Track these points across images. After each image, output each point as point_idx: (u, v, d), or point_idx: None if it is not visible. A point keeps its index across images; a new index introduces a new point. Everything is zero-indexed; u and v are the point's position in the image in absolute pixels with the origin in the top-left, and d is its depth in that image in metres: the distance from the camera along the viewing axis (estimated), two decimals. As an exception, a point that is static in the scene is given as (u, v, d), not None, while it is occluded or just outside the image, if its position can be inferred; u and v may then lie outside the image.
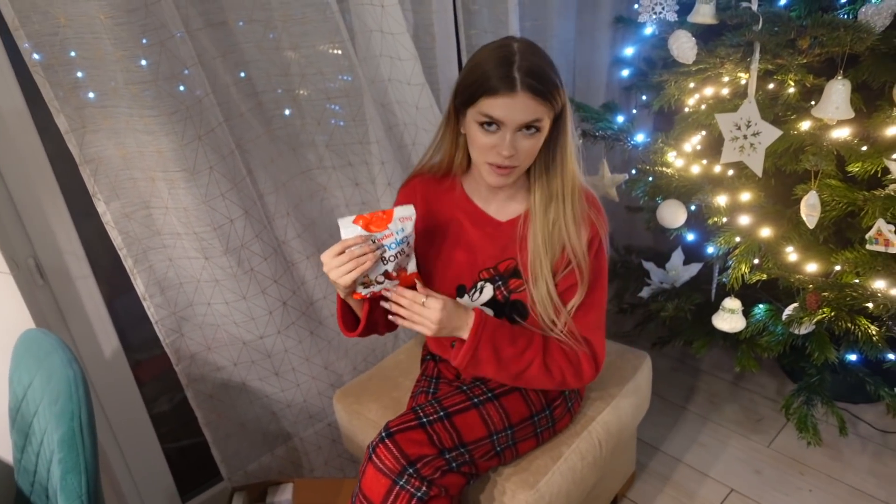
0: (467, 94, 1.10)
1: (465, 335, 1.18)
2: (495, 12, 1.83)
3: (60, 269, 1.35)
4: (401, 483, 1.14)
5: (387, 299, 1.18)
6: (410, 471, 1.14)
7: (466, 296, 1.29)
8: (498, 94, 1.06)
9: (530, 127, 1.09)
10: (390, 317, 1.19)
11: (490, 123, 1.09)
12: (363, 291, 1.15)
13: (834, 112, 1.38)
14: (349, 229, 1.10)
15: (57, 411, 0.95)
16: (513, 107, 1.06)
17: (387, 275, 1.14)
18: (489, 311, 1.29)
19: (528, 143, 1.11)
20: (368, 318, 1.26)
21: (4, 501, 1.28)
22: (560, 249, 1.20)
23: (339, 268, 1.10)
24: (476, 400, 1.27)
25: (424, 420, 1.20)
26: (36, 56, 1.15)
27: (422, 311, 1.14)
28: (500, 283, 1.27)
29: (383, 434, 1.18)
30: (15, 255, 1.26)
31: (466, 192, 1.29)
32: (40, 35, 1.14)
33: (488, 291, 1.28)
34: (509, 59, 1.06)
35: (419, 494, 1.14)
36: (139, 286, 1.40)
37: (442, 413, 1.22)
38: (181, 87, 1.25)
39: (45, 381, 1.02)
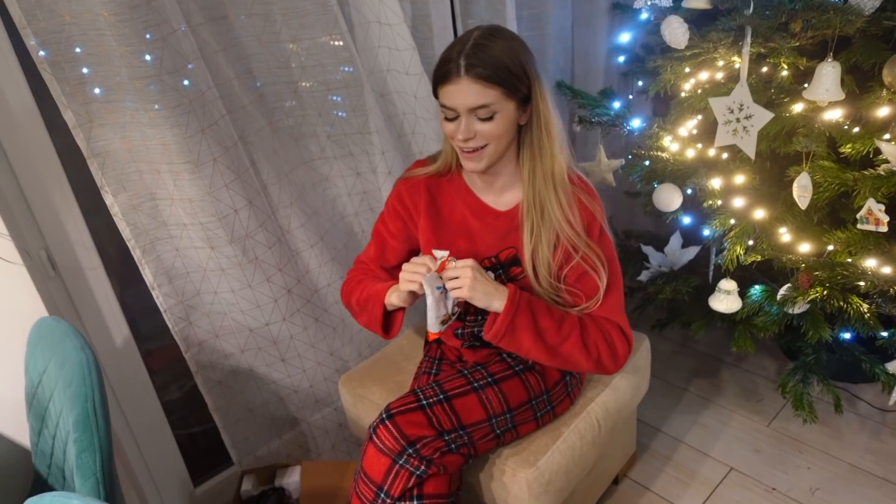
0: (433, 83, 1.15)
1: (501, 305, 1.19)
2: (492, 1, 1.85)
3: (71, 261, 1.39)
4: (400, 462, 1.18)
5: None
6: (410, 451, 1.18)
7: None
8: (447, 81, 1.11)
9: (483, 110, 1.11)
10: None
11: (450, 111, 1.13)
12: (443, 328, 1.25)
13: (824, 94, 1.39)
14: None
15: (71, 394, 1.00)
16: (458, 92, 1.10)
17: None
18: None
19: (485, 128, 1.13)
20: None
21: (23, 484, 1.33)
22: (554, 237, 1.22)
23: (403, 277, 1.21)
24: (476, 384, 1.30)
25: (424, 402, 1.23)
26: (42, 53, 1.18)
27: (457, 271, 1.18)
28: (501, 271, 1.30)
29: (384, 415, 1.21)
30: (27, 247, 1.30)
31: (466, 183, 1.32)
32: (46, 32, 1.18)
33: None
34: (460, 46, 1.10)
35: (418, 473, 1.18)
36: (147, 276, 1.44)
37: (442, 396, 1.25)
38: (184, 81, 1.28)
39: (59, 366, 1.06)
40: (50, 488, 1.17)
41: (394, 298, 1.28)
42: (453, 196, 1.33)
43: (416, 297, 1.26)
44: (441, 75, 1.12)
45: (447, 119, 1.16)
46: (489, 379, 1.31)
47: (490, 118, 1.12)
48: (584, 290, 1.25)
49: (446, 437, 1.21)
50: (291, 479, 1.63)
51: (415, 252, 1.44)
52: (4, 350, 1.28)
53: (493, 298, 1.19)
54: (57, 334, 1.11)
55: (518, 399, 1.32)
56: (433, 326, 1.25)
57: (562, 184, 1.20)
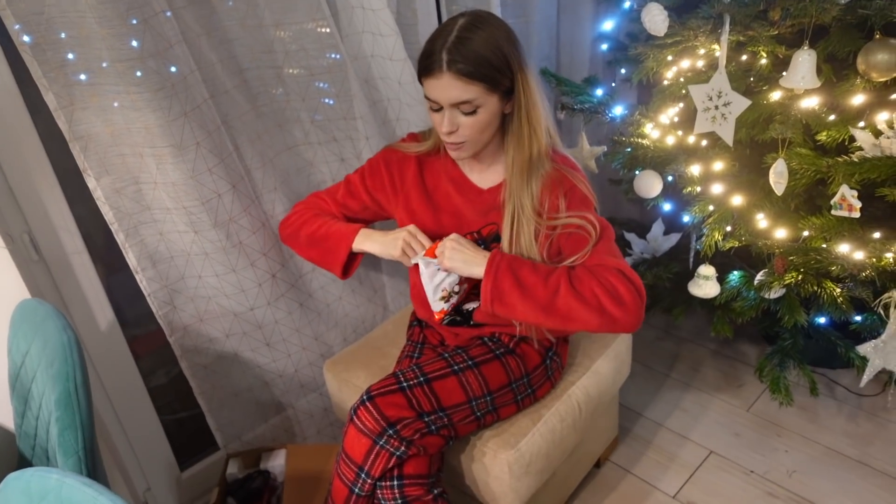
0: (417, 72, 1.16)
1: (482, 270, 1.18)
2: (477, -12, 1.86)
3: (55, 245, 1.40)
4: (381, 443, 1.20)
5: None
6: (390, 432, 1.19)
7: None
8: (430, 74, 1.11)
9: (465, 105, 1.12)
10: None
11: (434, 103, 1.15)
12: (445, 306, 1.30)
13: (800, 82, 1.42)
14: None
15: (53, 374, 1.01)
16: (440, 87, 1.11)
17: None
18: None
19: (468, 121, 1.15)
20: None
21: (7, 467, 1.34)
22: (534, 229, 1.23)
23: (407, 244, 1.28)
24: (456, 367, 1.31)
25: (405, 384, 1.25)
26: (25, 37, 1.18)
27: (440, 244, 1.21)
28: (483, 246, 1.32)
29: (364, 397, 1.23)
30: (10, 230, 1.30)
31: (453, 160, 1.34)
32: (27, 14, 1.17)
33: None
34: (443, 38, 1.10)
35: (398, 453, 1.20)
36: (131, 260, 1.44)
37: (422, 378, 1.27)
38: (167, 65, 1.29)
39: (41, 346, 1.07)
40: (34, 469, 1.18)
41: (372, 247, 1.32)
42: (439, 172, 1.35)
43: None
44: (423, 67, 1.13)
45: (432, 109, 1.17)
46: (469, 362, 1.33)
47: (473, 112, 1.14)
48: (574, 249, 1.21)
49: (426, 419, 1.23)
50: (276, 462, 1.64)
51: (374, 221, 1.49)
52: (-13, 333, 1.28)
53: (474, 265, 1.19)
54: (39, 315, 1.12)
55: (498, 382, 1.34)
56: (435, 304, 1.29)
57: (538, 169, 1.22)
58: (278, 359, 1.74)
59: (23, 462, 1.23)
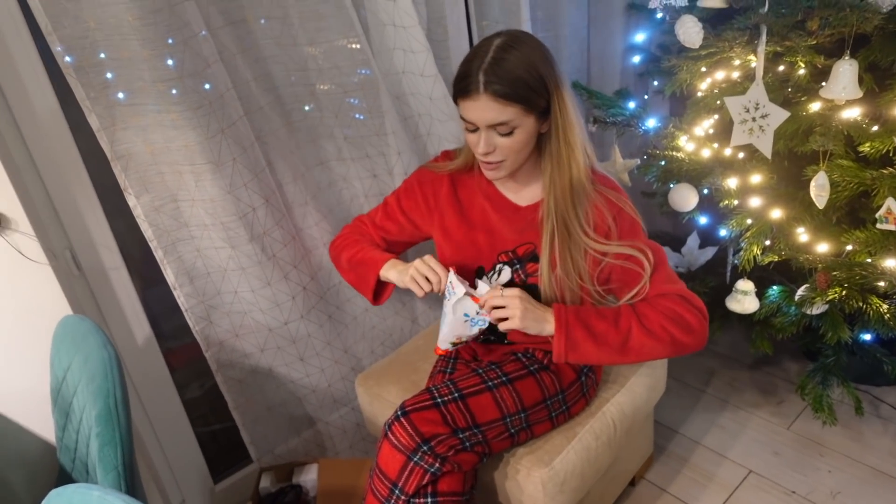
0: (453, 92, 1.16)
1: (552, 328, 1.21)
2: (506, 3, 1.86)
3: (95, 261, 1.43)
4: (415, 459, 1.19)
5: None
6: (425, 448, 1.19)
7: (485, 277, 1.34)
8: (466, 96, 1.11)
9: (502, 127, 1.12)
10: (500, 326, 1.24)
11: (470, 123, 1.14)
12: (451, 348, 1.31)
13: (841, 92, 1.38)
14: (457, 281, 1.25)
15: (94, 389, 1.02)
16: (477, 108, 1.11)
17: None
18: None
19: (506, 142, 1.14)
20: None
21: (48, 478, 1.37)
22: (583, 250, 1.22)
23: (422, 277, 1.27)
24: (490, 383, 1.30)
25: (439, 400, 1.24)
26: (68, 58, 1.21)
27: (504, 301, 1.20)
28: (517, 266, 1.31)
29: (399, 413, 1.22)
30: (52, 247, 1.33)
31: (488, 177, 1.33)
32: (72, 38, 1.21)
33: (506, 274, 1.32)
34: (479, 59, 1.09)
35: (432, 470, 1.19)
36: (169, 276, 1.47)
37: (457, 394, 1.26)
38: (204, 84, 1.31)
39: (82, 362, 1.09)
40: (73, 482, 1.20)
41: (392, 276, 1.33)
42: (474, 189, 1.34)
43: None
44: (460, 89, 1.12)
45: (468, 130, 1.17)
46: (504, 378, 1.32)
47: (510, 133, 1.13)
48: (630, 279, 1.24)
49: (461, 435, 1.22)
50: (309, 477, 1.65)
51: (414, 243, 1.49)
52: (31, 347, 1.31)
53: (544, 323, 1.21)
54: (80, 332, 1.14)
55: (533, 398, 1.32)
56: (443, 343, 1.30)
57: (581, 191, 1.20)
58: (311, 373, 1.74)
59: (63, 474, 1.25)
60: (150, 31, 1.22)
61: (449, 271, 1.26)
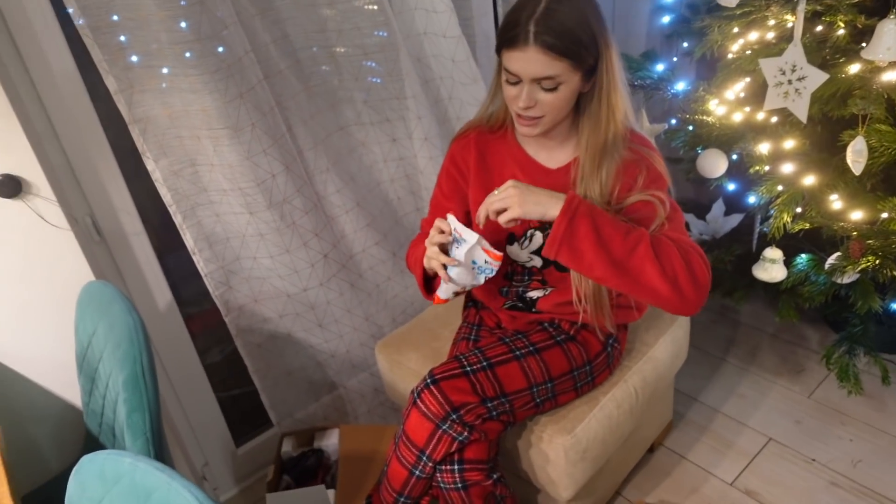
0: (497, 43, 1.10)
1: (557, 210, 1.10)
2: (531, -40, 1.79)
3: (115, 226, 1.42)
4: (444, 427, 1.19)
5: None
6: (454, 416, 1.18)
7: (516, 243, 1.31)
8: (513, 46, 1.05)
9: (548, 81, 1.07)
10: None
11: (513, 76, 1.09)
12: (451, 297, 1.24)
13: (885, 53, 1.32)
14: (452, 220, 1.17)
15: (120, 356, 1.02)
16: (524, 60, 1.05)
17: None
18: (538, 260, 1.30)
19: (548, 98, 1.09)
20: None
21: (75, 442, 1.39)
22: (604, 206, 1.16)
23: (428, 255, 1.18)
24: (518, 353, 1.29)
25: (468, 369, 1.23)
26: (83, 20, 1.18)
27: (498, 195, 1.12)
28: (548, 230, 1.27)
29: (428, 380, 1.21)
30: (73, 212, 1.33)
31: (518, 141, 1.29)
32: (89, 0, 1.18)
33: (538, 239, 1.29)
34: (532, 9, 1.03)
35: (461, 438, 1.19)
36: (188, 241, 1.46)
37: (485, 363, 1.25)
38: (223, 47, 1.28)
39: (107, 328, 1.09)
40: (101, 446, 1.22)
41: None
42: (503, 153, 1.30)
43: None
44: (507, 39, 1.06)
45: (509, 82, 1.11)
46: (531, 348, 1.31)
47: (554, 89, 1.08)
48: (646, 223, 1.16)
49: (489, 405, 1.21)
50: (330, 442, 1.66)
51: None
52: (55, 313, 1.31)
53: (548, 206, 1.10)
54: (105, 298, 1.13)
55: (560, 369, 1.31)
56: (445, 293, 1.23)
57: (612, 153, 1.15)
58: (330, 339, 1.74)
59: (89, 438, 1.26)
60: (167, -10, 1.18)
61: (448, 217, 1.18)
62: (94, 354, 1.16)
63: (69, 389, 1.37)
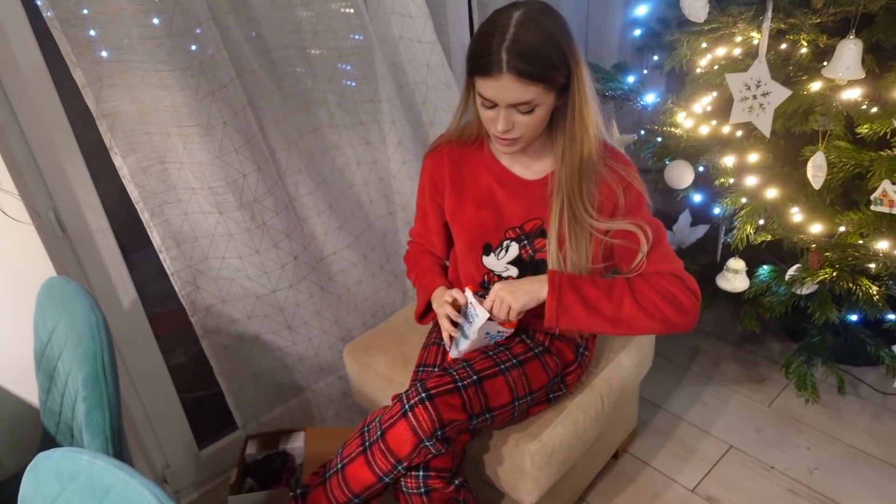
0: (468, 67, 1.11)
1: (545, 290, 1.20)
2: (507, -30, 1.81)
3: (79, 222, 1.39)
4: (428, 443, 1.16)
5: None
6: (439, 433, 1.16)
7: (492, 254, 1.32)
8: (487, 75, 1.06)
9: (524, 105, 1.09)
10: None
11: (486, 100, 1.10)
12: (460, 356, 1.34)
13: (844, 72, 1.37)
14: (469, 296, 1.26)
15: (81, 353, 1.00)
16: (499, 87, 1.06)
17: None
18: (514, 270, 1.32)
19: (524, 119, 1.11)
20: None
21: (31, 441, 1.35)
22: (589, 219, 1.21)
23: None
24: (503, 366, 1.28)
25: (460, 384, 1.21)
26: (51, 12, 1.16)
27: (496, 305, 1.21)
28: (525, 242, 1.29)
29: (423, 395, 1.18)
30: (36, 206, 1.30)
31: (493, 153, 1.30)
32: (57, -10, 1.16)
33: (514, 250, 1.30)
34: (501, 35, 1.04)
35: (437, 453, 1.18)
36: (155, 239, 1.44)
37: (475, 377, 1.24)
38: (195, 44, 1.27)
39: (68, 325, 1.07)
40: (58, 445, 1.19)
41: (435, 306, 1.34)
42: (478, 166, 1.31)
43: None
44: (480, 67, 1.07)
45: (485, 106, 1.13)
46: (514, 361, 1.31)
47: (531, 111, 1.10)
48: (628, 257, 1.23)
49: (474, 421, 1.21)
50: (296, 445, 1.64)
51: None
52: (14, 308, 1.28)
53: (538, 291, 1.20)
54: (66, 294, 1.11)
55: (539, 382, 1.32)
56: (457, 353, 1.32)
57: (590, 168, 1.18)
58: (299, 342, 1.73)
59: (46, 437, 1.23)
60: (139, -16, 1.17)
61: (465, 291, 1.26)
62: (54, 351, 1.13)
63: (26, 387, 1.34)
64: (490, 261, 1.33)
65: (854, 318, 1.76)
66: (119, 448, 0.98)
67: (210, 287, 1.56)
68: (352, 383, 1.71)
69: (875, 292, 1.46)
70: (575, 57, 1.10)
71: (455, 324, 1.29)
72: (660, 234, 1.25)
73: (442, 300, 1.29)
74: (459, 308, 1.29)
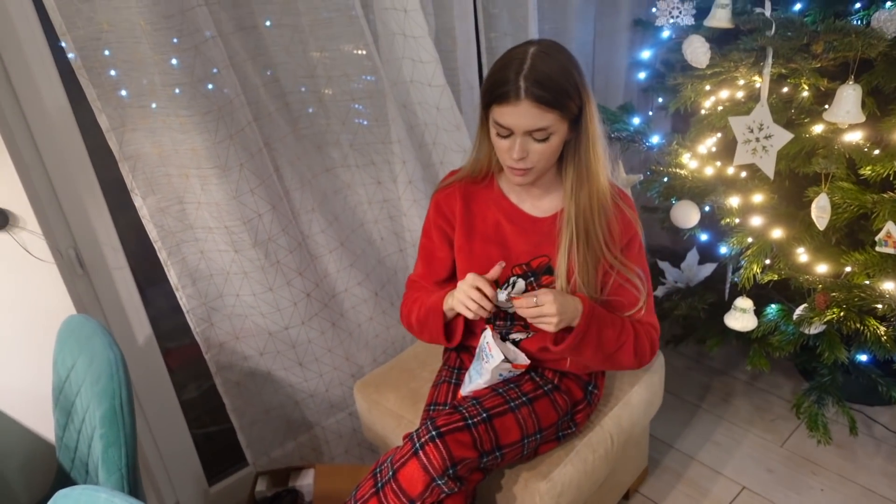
0: (484, 99, 1.16)
1: (576, 322, 1.22)
2: (515, 16, 1.88)
3: (98, 260, 1.43)
4: (440, 482, 1.16)
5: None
6: (451, 472, 1.16)
7: (499, 290, 1.34)
8: (504, 102, 1.10)
9: (540, 133, 1.13)
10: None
11: (503, 128, 1.14)
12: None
13: (845, 116, 1.40)
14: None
15: (99, 390, 1.03)
16: (517, 114, 1.10)
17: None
18: None
19: (539, 147, 1.15)
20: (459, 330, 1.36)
21: (46, 477, 1.37)
22: (598, 260, 1.25)
23: (468, 298, 1.21)
24: (512, 404, 1.29)
25: (470, 422, 1.22)
26: (80, 59, 1.22)
27: (541, 309, 1.18)
28: (532, 278, 1.31)
29: (433, 433, 1.18)
30: (58, 246, 1.34)
31: (503, 190, 1.34)
32: (84, 39, 1.21)
33: (520, 286, 1.32)
34: (518, 66, 1.09)
35: (450, 492, 1.17)
36: (172, 277, 1.47)
37: (484, 415, 1.24)
38: (213, 88, 1.32)
39: (87, 362, 1.09)
40: (72, 482, 1.20)
41: (449, 305, 1.29)
42: (487, 202, 1.34)
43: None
44: (498, 96, 1.11)
45: (500, 136, 1.16)
46: (524, 398, 1.31)
47: (546, 139, 1.14)
48: (625, 299, 1.29)
49: (485, 459, 1.21)
50: (305, 482, 1.65)
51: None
52: (34, 345, 1.31)
53: (575, 314, 1.22)
54: (86, 332, 1.14)
55: (549, 420, 1.32)
56: (469, 392, 1.34)
57: (605, 201, 1.23)
58: (310, 378, 1.75)
59: (61, 474, 1.25)
60: (162, 34, 1.22)
61: (485, 331, 1.28)
62: (72, 388, 1.16)
63: (42, 423, 1.36)
64: (497, 295, 1.34)
65: (864, 357, 1.76)
66: (134, 486, 1.00)
67: (224, 324, 1.59)
68: (362, 420, 1.71)
69: (883, 332, 1.46)
70: (586, 90, 1.15)
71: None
72: (649, 286, 1.32)
73: (466, 286, 1.23)
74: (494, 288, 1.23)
